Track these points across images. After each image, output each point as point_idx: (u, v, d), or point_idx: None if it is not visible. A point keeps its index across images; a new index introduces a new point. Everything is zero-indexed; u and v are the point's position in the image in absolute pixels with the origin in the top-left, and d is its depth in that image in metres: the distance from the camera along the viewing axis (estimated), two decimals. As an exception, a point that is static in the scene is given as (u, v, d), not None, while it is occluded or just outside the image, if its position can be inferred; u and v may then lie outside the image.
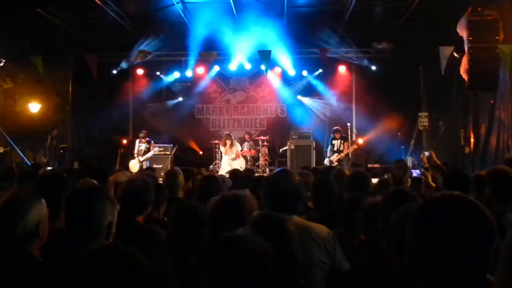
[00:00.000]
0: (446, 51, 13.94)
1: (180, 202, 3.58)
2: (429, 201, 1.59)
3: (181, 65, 17.32)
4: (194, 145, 17.71)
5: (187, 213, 3.27)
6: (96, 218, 2.50)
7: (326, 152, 14.24)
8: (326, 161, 13.77)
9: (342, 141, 13.84)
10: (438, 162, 10.54)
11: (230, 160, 13.95)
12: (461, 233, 1.45)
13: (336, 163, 13.29)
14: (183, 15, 13.96)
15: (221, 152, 14.85)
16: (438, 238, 1.47)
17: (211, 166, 15.35)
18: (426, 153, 11.35)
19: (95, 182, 4.75)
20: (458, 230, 1.46)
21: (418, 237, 1.53)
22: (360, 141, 15.06)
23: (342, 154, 13.67)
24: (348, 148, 13.76)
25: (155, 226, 3.56)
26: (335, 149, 13.82)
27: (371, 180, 5.19)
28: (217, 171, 13.65)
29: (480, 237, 1.46)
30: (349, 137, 14.45)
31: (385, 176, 8.89)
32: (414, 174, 11.16)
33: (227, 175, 7.32)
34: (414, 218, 1.56)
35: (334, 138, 13.93)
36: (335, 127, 14.30)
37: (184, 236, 3.15)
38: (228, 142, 14.11)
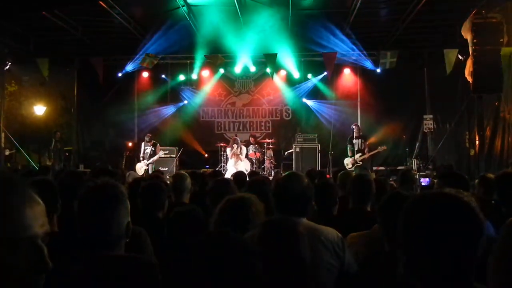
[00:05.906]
0: (451, 53, 13.99)
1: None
2: (418, 197, 1.60)
3: (186, 68, 17.38)
4: (199, 148, 17.72)
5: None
6: (117, 223, 2.22)
7: (347, 151, 13.89)
8: (349, 161, 13.60)
9: (363, 140, 13.74)
10: None
11: (235, 163, 13.90)
12: (446, 226, 1.45)
13: (360, 162, 13.22)
14: (188, 18, 13.98)
15: (226, 155, 14.86)
16: (423, 233, 1.48)
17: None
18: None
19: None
20: (442, 224, 1.46)
21: (406, 233, 1.54)
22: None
23: (367, 155, 13.56)
24: (368, 146, 13.69)
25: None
26: (356, 148, 13.66)
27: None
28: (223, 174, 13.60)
29: (466, 231, 1.45)
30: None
31: (390, 179, 8.88)
32: (424, 183, 11.07)
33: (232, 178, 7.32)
34: (403, 214, 1.56)
35: (353, 137, 13.79)
36: (354, 124, 14.28)
37: None
38: (235, 146, 14.08)
